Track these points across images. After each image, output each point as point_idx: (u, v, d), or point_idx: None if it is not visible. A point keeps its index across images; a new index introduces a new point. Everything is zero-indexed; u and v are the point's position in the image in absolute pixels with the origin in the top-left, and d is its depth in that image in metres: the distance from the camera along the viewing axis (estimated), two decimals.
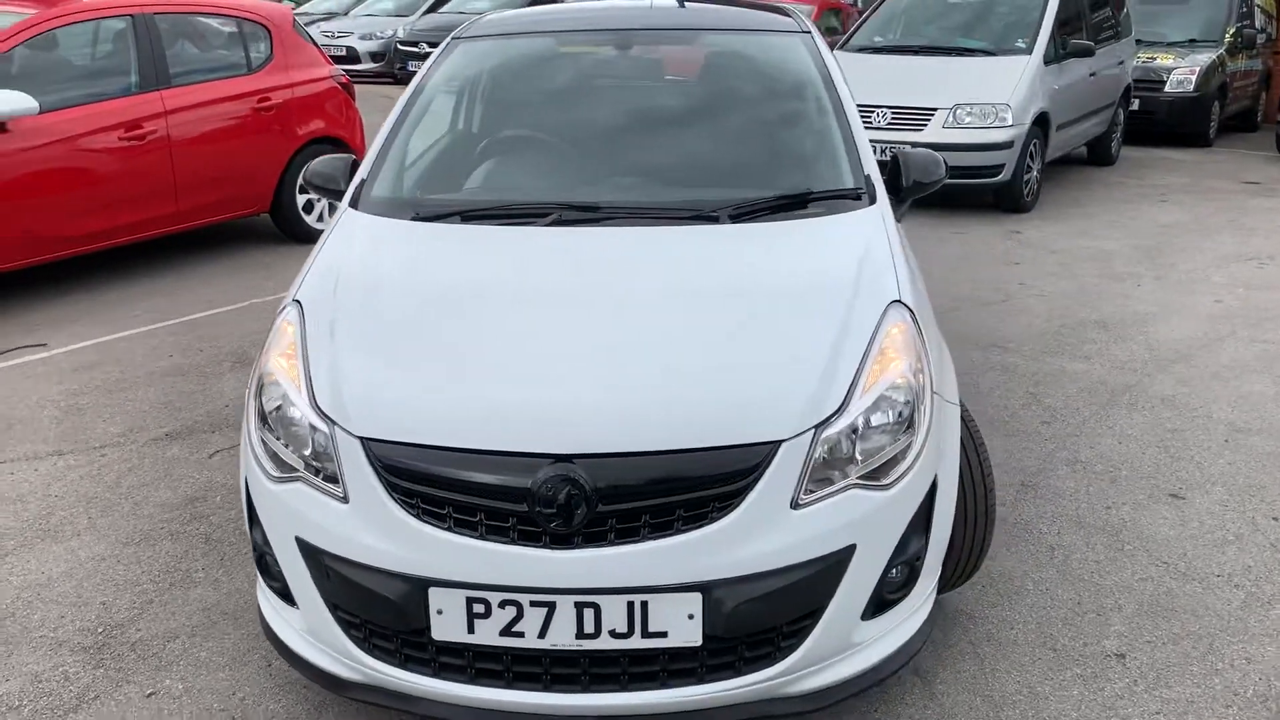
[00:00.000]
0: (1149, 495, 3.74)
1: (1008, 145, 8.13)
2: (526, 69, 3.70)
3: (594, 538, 2.23)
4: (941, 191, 8.13)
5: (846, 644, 2.41)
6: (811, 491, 2.31)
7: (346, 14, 19.36)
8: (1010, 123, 8.15)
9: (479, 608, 2.25)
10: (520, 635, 2.25)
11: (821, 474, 2.34)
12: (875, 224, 2.99)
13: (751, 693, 2.35)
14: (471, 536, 2.25)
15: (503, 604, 2.24)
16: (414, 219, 3.04)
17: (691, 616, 2.24)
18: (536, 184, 3.27)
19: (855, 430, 2.40)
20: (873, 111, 8.32)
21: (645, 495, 2.24)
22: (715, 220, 2.96)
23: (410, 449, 2.31)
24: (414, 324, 2.62)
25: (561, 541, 2.23)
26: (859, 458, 2.40)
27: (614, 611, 2.23)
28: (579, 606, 2.23)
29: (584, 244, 2.89)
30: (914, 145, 7.99)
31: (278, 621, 2.59)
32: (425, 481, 2.29)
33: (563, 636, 2.25)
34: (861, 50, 9.21)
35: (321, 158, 3.42)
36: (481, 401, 2.36)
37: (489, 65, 3.73)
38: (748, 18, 3.96)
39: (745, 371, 2.42)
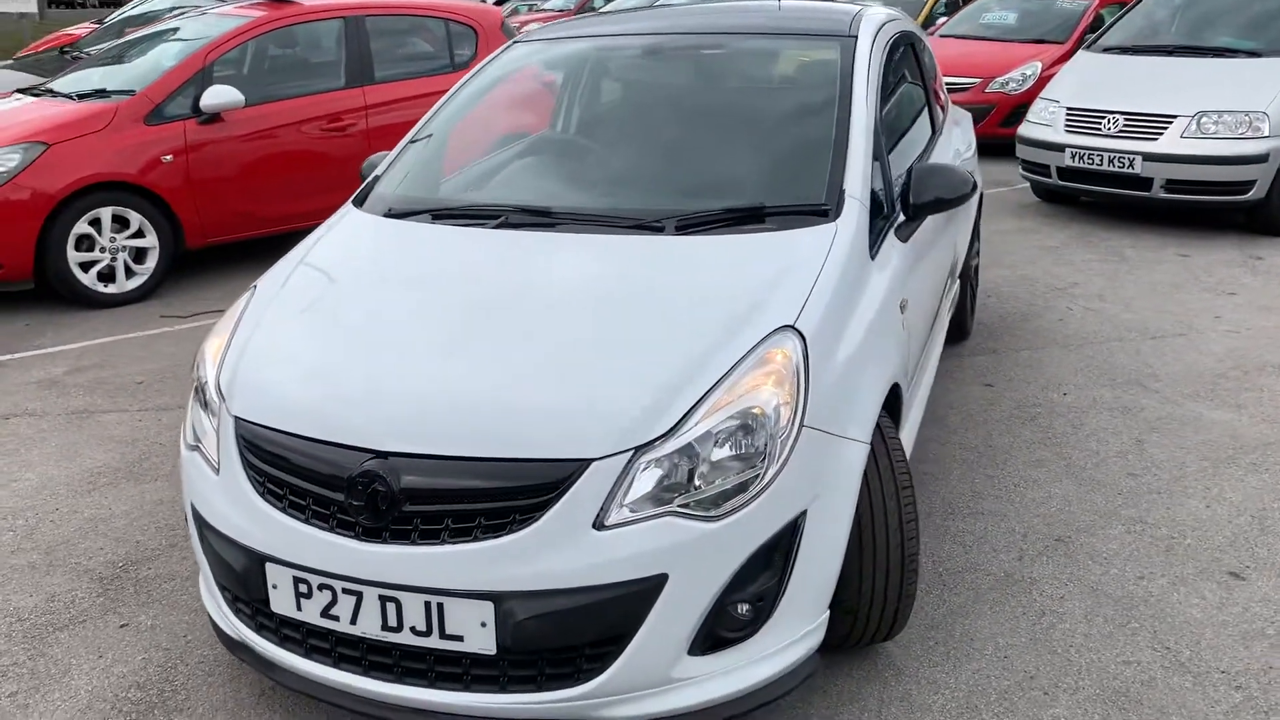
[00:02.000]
0: (1201, 570, 3.26)
1: (1261, 159, 7.16)
2: (552, 73, 3.77)
3: (401, 535, 2.30)
4: (1178, 208, 7.38)
5: (665, 677, 2.33)
6: (623, 514, 2.26)
7: None
8: (1267, 134, 7.17)
9: (303, 588, 2.39)
10: (336, 619, 2.37)
11: (644, 497, 2.27)
12: (819, 244, 2.82)
13: (555, 710, 2.33)
14: (299, 520, 2.39)
15: (320, 587, 2.37)
16: (386, 215, 3.20)
17: (484, 625, 2.26)
18: (508, 187, 3.35)
19: (695, 455, 2.31)
20: (1102, 118, 7.62)
21: (449, 499, 2.29)
22: (660, 231, 2.91)
23: (263, 430, 2.49)
24: (319, 312, 2.80)
25: (372, 535, 2.32)
26: (699, 485, 2.31)
27: (414, 609, 2.29)
28: (383, 600, 2.31)
29: (512, 248, 2.94)
30: (1145, 156, 7.34)
31: (200, 576, 2.87)
32: (271, 462, 2.46)
33: (371, 626, 2.34)
34: (1108, 50, 8.42)
35: None
36: (329, 391, 2.50)
37: (519, 69, 3.83)
38: (798, 20, 3.80)
39: (580, 387, 2.39)
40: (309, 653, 2.46)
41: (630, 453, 2.28)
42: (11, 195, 5.67)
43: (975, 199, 4.93)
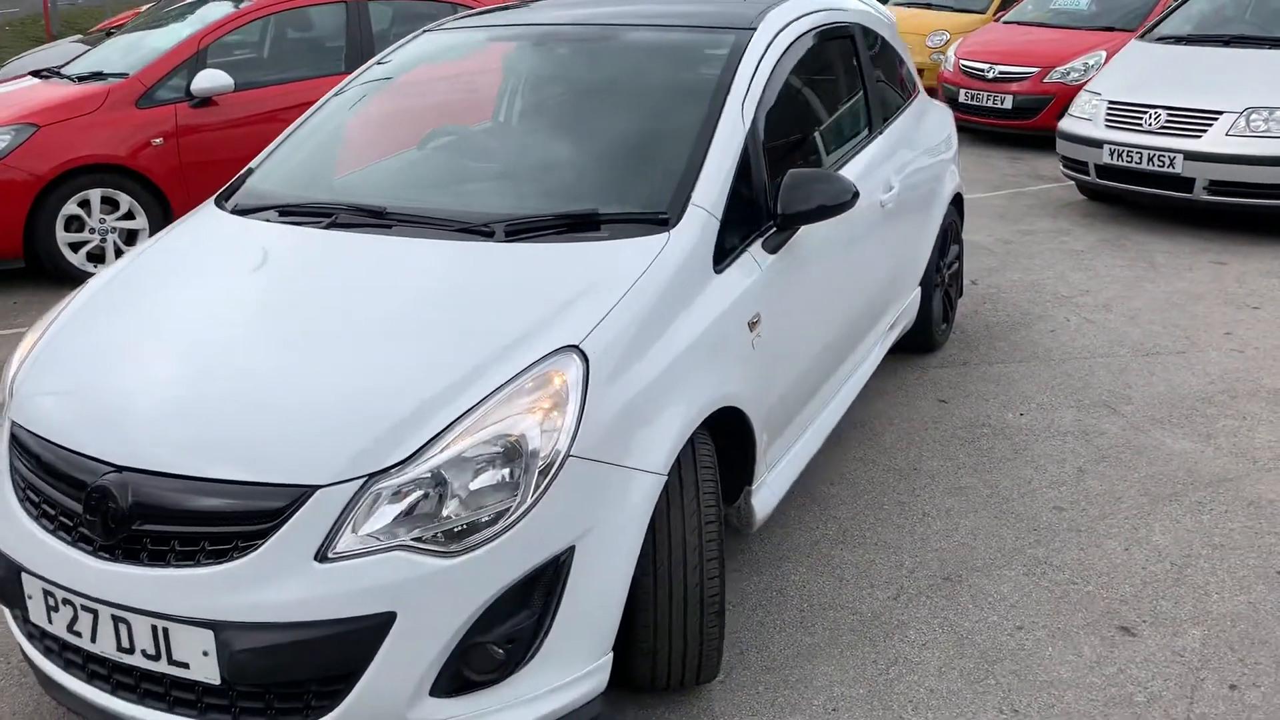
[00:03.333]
0: (1089, 623, 2.97)
1: None
2: (434, 65, 3.62)
3: (131, 554, 2.22)
4: (1222, 212, 6.84)
5: (402, 718, 2.19)
6: (352, 546, 2.13)
7: None
8: None
9: (51, 600, 2.33)
10: (79, 635, 2.30)
11: (382, 529, 2.14)
12: (642, 255, 2.63)
13: None
14: (48, 531, 2.33)
15: (64, 602, 2.30)
16: (232, 211, 3.12)
17: (206, 653, 2.16)
18: (355, 184, 3.23)
19: (444, 484, 2.17)
20: (1144, 113, 7.12)
21: (176, 520, 2.20)
22: (489, 236, 2.76)
23: (27, 435, 2.44)
24: (114, 313, 2.74)
25: (106, 552, 2.24)
26: (450, 515, 2.17)
27: (142, 632, 2.21)
28: (115, 620, 2.23)
29: (326, 253, 2.82)
30: (1187, 154, 6.83)
31: None
32: (31, 469, 2.40)
33: (108, 645, 2.26)
34: (1163, 40, 7.86)
35: None
36: (87, 398, 2.42)
37: (410, 60, 3.68)
38: (703, 10, 3.57)
39: (323, 407, 2.27)
40: (67, 667, 2.40)
41: (362, 480, 2.14)
42: (1, 176, 5.79)
43: (941, 204, 4.63)
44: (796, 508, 3.60)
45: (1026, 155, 9.54)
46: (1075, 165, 7.58)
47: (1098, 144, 7.29)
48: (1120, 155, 7.17)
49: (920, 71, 11.81)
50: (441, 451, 2.18)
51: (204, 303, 2.68)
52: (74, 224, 6.05)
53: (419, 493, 2.17)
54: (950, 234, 4.93)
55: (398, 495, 2.16)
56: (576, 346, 2.35)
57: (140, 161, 6.10)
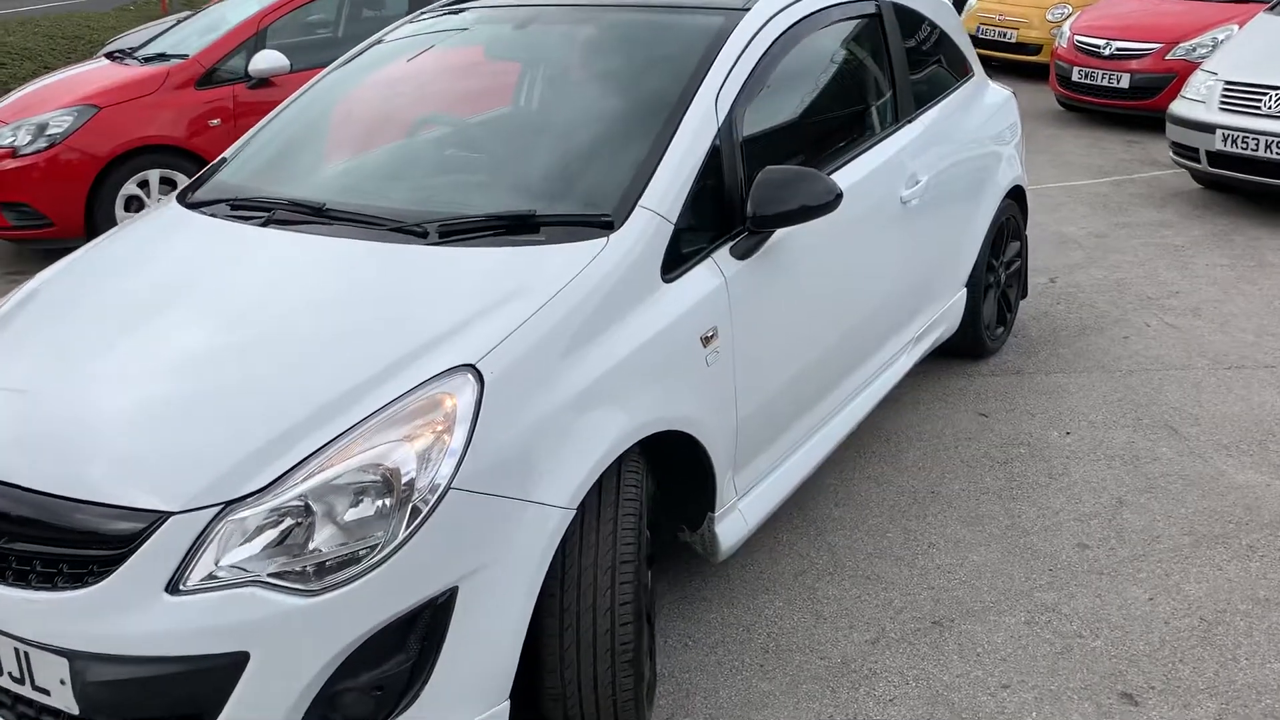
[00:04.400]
0: (1087, 687, 2.62)
1: None
2: (406, 53, 3.43)
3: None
4: None
5: None
6: (206, 579, 1.98)
7: None
8: None
9: None
10: None
11: (239, 561, 1.98)
12: (573, 263, 2.40)
13: None
14: None
15: None
16: (187, 206, 3.00)
17: (63, 682, 2.05)
18: (302, 177, 3.06)
19: (309, 514, 2.00)
20: (1263, 94, 6.46)
21: (38, 539, 2.08)
22: (423, 237, 2.57)
23: None
24: (25, 312, 2.64)
25: None
26: (317, 548, 2.00)
27: (7, 654, 2.11)
28: None
29: (248, 251, 2.67)
30: None
31: None
32: None
33: None
34: None
35: None
36: None
37: (383, 53, 3.50)
38: None
39: (189, 428, 2.12)
40: None
41: (217, 508, 1.99)
42: (63, 156, 5.89)
43: (993, 198, 4.23)
44: (791, 531, 3.32)
45: (1144, 139, 8.86)
46: (1185, 152, 6.96)
47: (1210, 129, 6.67)
48: (1235, 141, 6.53)
49: (1038, 49, 11.28)
50: (307, 479, 2.01)
51: (104, 308, 2.56)
52: (134, 204, 6.12)
53: (282, 523, 2.00)
54: (1008, 230, 4.52)
55: (260, 525, 2.00)
56: (473, 365, 2.14)
57: (198, 142, 6.13)
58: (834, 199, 2.73)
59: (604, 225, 2.52)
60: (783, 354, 2.92)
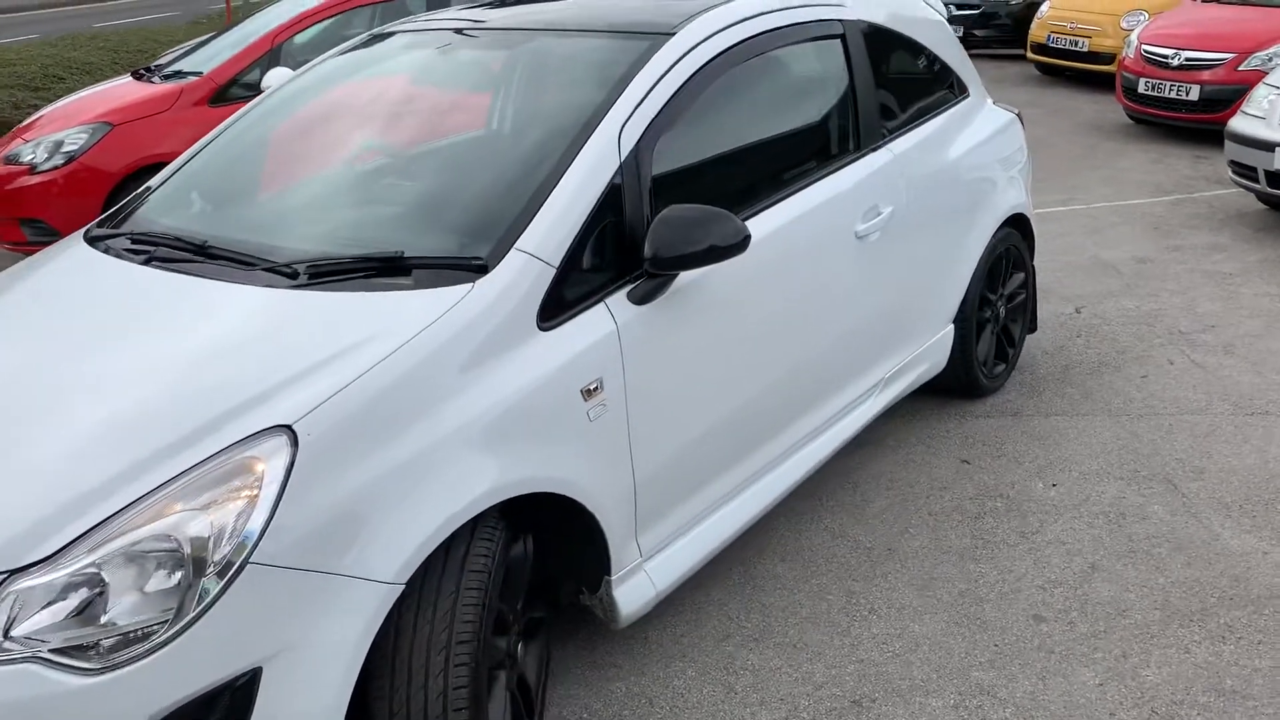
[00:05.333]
0: None
1: None
2: (328, 84, 3.30)
3: None
4: None
5: None
6: None
7: None
8: None
9: None
10: None
11: (22, 635, 1.87)
12: (426, 311, 2.23)
13: None
14: None
15: None
16: (87, 240, 2.91)
17: None
18: (193, 212, 2.94)
19: (100, 586, 1.87)
20: None
21: None
22: (293, 278, 2.43)
23: None
24: None
25: None
26: (106, 622, 1.87)
27: None
28: None
29: (111, 294, 2.56)
30: None
31: None
32: None
33: None
34: None
35: None
36: None
37: (310, 82, 3.38)
38: (629, 11, 3.09)
39: None
40: None
41: (2, 577, 1.87)
42: (77, 173, 5.96)
43: (986, 228, 3.94)
44: (725, 588, 3.10)
45: (1214, 154, 8.32)
46: (1244, 171, 6.50)
47: (1270, 146, 6.21)
48: None
49: (1111, 58, 10.74)
50: (99, 547, 1.88)
51: None
52: None
53: (77, 593, 1.88)
54: (1009, 260, 4.22)
55: (51, 595, 1.88)
56: (288, 427, 1.99)
57: None
58: (740, 241, 2.52)
59: (476, 269, 2.35)
60: (697, 406, 2.71)
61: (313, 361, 2.13)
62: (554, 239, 2.40)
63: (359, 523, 2.00)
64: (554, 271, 2.38)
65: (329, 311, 2.30)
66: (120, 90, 6.50)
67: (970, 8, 13.37)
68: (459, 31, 3.18)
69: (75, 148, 5.96)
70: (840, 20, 3.40)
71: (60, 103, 6.83)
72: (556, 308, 2.39)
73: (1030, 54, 11.92)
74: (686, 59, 2.81)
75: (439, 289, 2.30)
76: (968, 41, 13.30)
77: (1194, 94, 8.64)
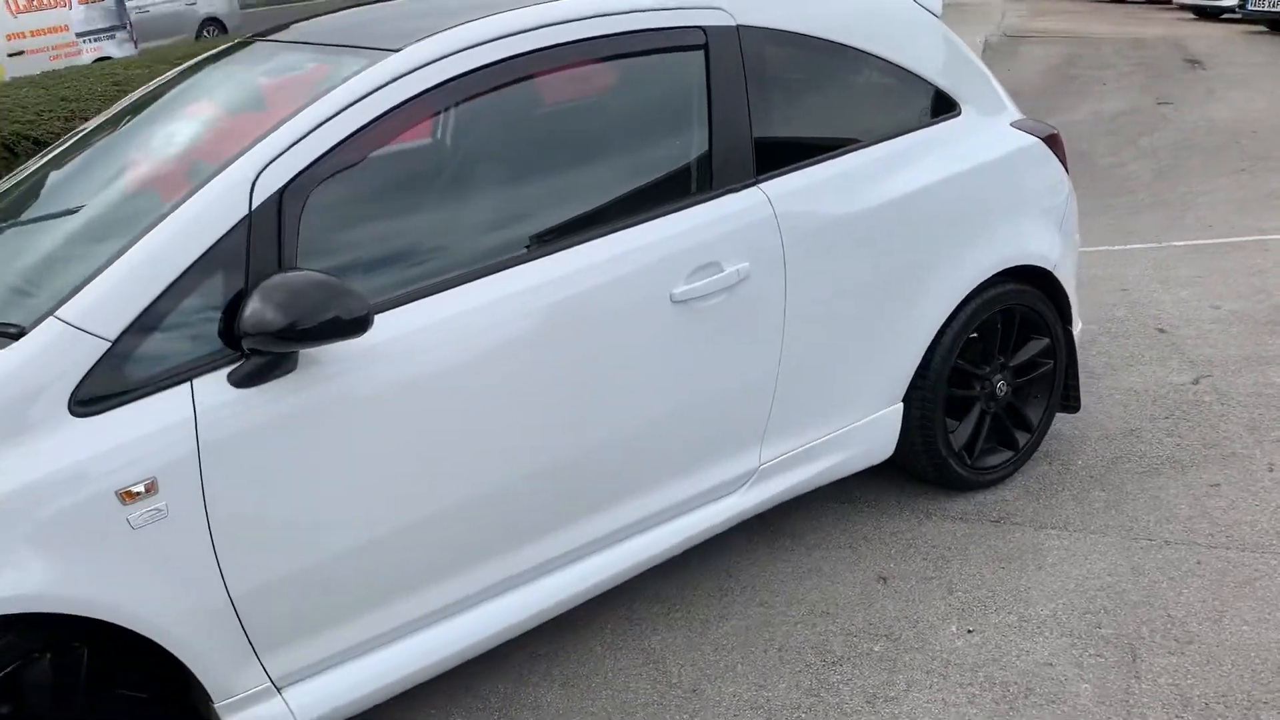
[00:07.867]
0: None
1: None
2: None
3: None
4: None
5: None
6: None
7: None
8: None
9: None
10: None
11: None
12: None
13: None
14: None
15: None
16: None
17: None
18: None
19: None
20: None
21: None
22: None
23: None
24: None
25: None
26: None
27: None
28: None
29: None
30: None
31: None
32: None
33: None
34: None
35: None
36: None
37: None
38: (381, 25, 2.60)
39: None
40: None
41: None
42: None
43: (954, 285, 3.09)
44: (464, 717, 2.60)
45: None
46: None
47: None
48: None
49: None
50: None
51: None
52: None
53: None
54: (1019, 323, 3.30)
55: None
56: None
57: None
58: (364, 319, 2.02)
59: (13, 336, 2.02)
60: (358, 509, 2.24)
61: None
62: (111, 307, 2.01)
63: None
64: (106, 345, 2.00)
65: None
66: None
67: None
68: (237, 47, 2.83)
69: None
70: (704, 28, 2.71)
71: None
72: (109, 389, 2.01)
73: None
74: (400, 83, 2.30)
75: None
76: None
77: None
